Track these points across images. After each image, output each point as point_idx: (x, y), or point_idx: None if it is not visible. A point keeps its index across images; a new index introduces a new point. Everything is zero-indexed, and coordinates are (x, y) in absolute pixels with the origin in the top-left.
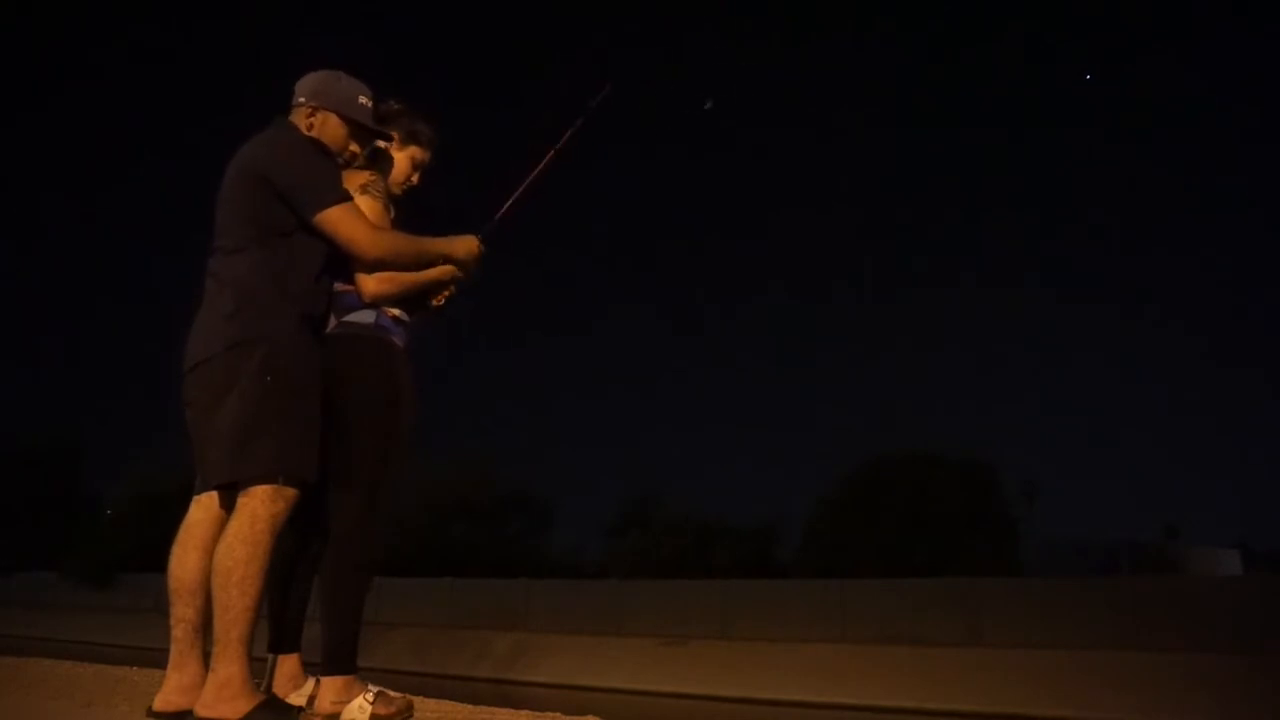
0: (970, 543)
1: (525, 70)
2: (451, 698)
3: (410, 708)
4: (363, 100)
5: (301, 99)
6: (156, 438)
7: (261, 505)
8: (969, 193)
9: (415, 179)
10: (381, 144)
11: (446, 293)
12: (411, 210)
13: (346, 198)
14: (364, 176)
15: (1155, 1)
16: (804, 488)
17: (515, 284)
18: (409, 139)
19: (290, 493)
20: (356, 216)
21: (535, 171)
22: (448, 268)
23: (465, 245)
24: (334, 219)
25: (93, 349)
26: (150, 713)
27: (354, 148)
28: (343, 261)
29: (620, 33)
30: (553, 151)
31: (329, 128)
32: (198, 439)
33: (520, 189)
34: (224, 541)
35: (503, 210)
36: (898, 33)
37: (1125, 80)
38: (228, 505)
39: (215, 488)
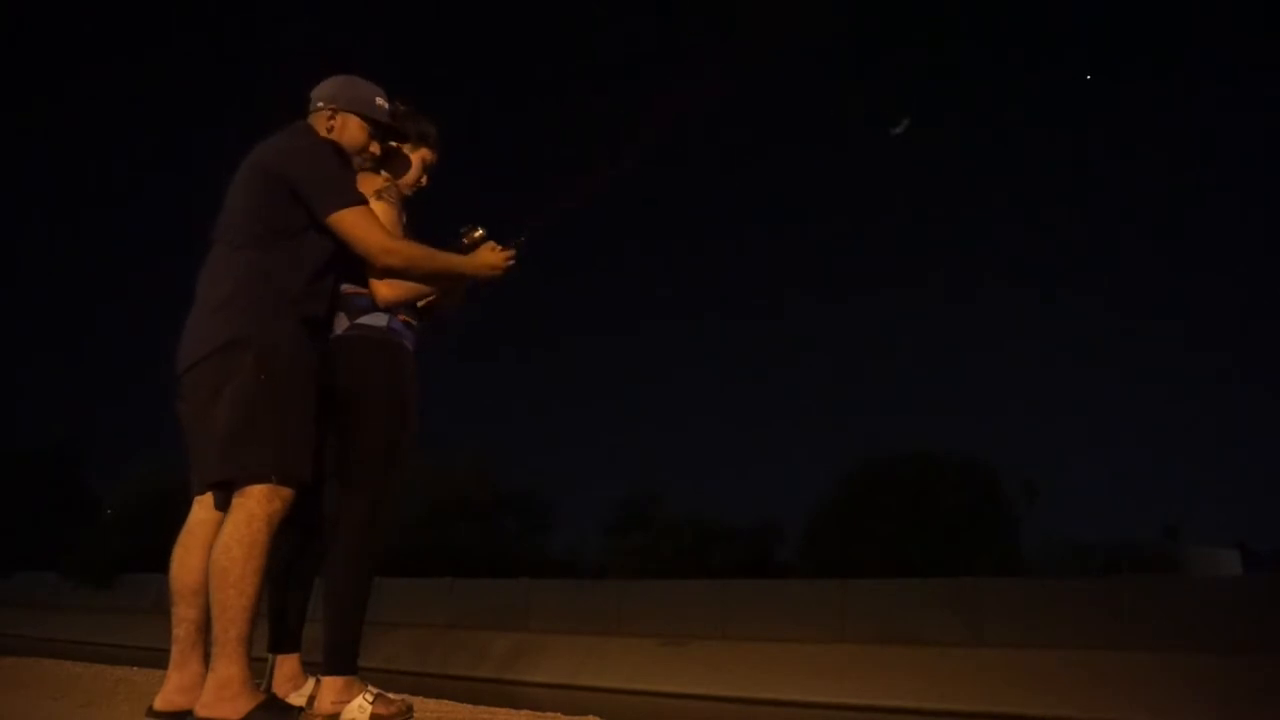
0: (970, 543)
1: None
2: (451, 698)
3: (410, 709)
4: (379, 101)
5: (320, 103)
6: (156, 438)
7: (258, 505)
8: (967, 193)
9: (424, 181)
10: (396, 144)
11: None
12: (420, 212)
13: (362, 201)
14: (379, 182)
15: (1155, 2)
16: (804, 488)
17: (515, 284)
18: (419, 141)
19: (287, 493)
20: (371, 221)
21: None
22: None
23: (484, 263)
24: (349, 221)
25: (93, 349)
26: (150, 712)
27: (373, 148)
28: (351, 264)
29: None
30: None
31: (349, 129)
32: (194, 438)
33: (572, 200)
34: (221, 542)
35: (548, 217)
36: (897, 33)
37: (1127, 81)
38: (226, 505)
39: (210, 486)
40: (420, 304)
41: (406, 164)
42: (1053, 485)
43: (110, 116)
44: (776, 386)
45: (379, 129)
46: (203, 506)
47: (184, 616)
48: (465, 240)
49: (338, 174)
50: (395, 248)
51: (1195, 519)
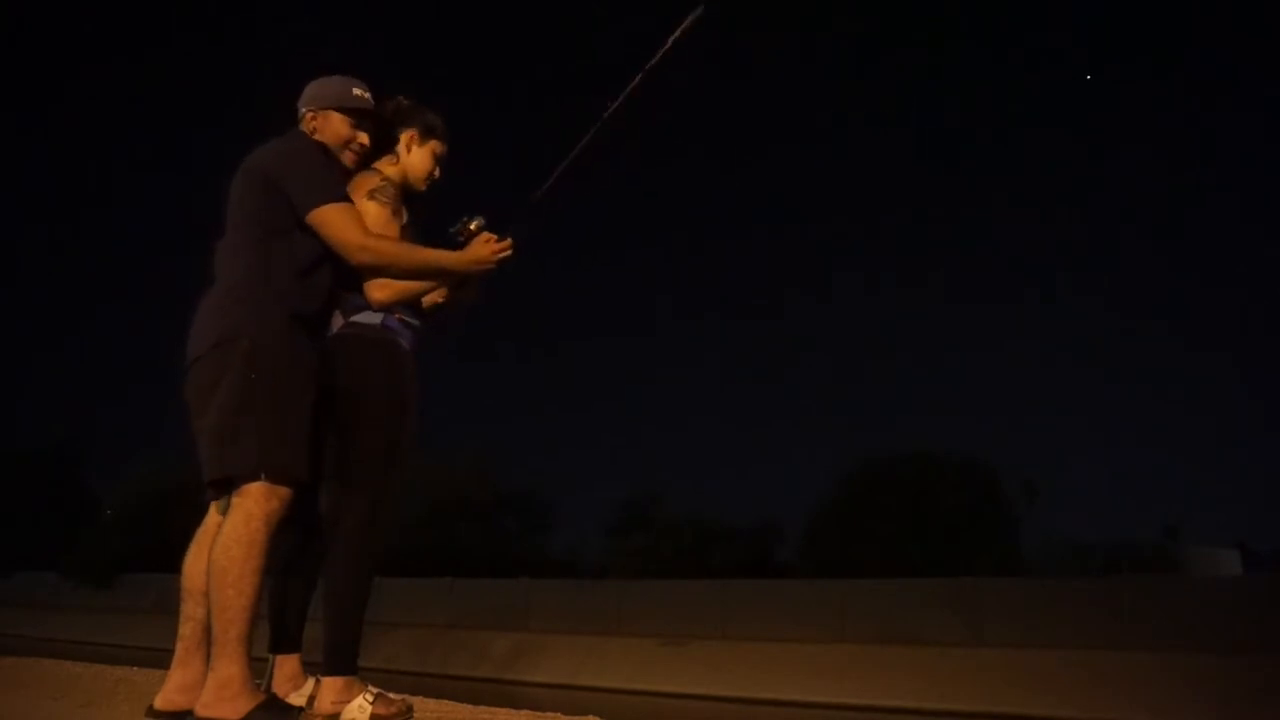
0: (970, 543)
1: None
2: (451, 698)
3: (410, 709)
4: (356, 91)
5: (302, 109)
6: (156, 438)
7: (255, 504)
8: (967, 193)
9: (437, 173)
10: (403, 136)
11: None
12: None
13: (344, 199)
14: (373, 181)
15: (1155, 2)
16: (804, 488)
17: (515, 284)
18: (428, 134)
19: (285, 492)
20: (350, 218)
21: (597, 126)
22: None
23: (474, 258)
24: (327, 218)
25: (93, 349)
26: (151, 712)
27: (361, 138)
28: (346, 264)
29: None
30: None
31: (330, 125)
32: (198, 437)
33: (579, 148)
34: (220, 541)
35: (550, 182)
36: (897, 33)
37: (1127, 81)
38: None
39: (209, 484)
40: (427, 301)
41: (394, 146)
42: (1053, 485)
43: (110, 116)
44: (776, 386)
45: (361, 117)
46: (218, 510)
47: (190, 615)
48: (461, 235)
49: (320, 172)
50: (370, 244)
51: (1195, 519)
